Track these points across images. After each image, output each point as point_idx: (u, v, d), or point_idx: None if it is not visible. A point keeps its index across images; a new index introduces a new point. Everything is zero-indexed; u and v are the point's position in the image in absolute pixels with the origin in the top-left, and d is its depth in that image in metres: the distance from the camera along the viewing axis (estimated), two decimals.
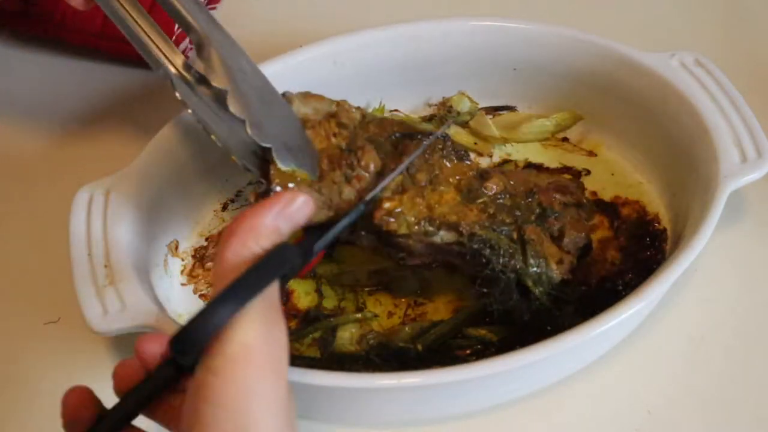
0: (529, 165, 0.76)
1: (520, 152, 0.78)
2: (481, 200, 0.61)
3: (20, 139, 0.83)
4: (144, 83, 0.88)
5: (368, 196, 0.58)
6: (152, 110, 0.85)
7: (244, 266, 0.46)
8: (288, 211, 0.49)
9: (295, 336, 0.65)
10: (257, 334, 0.44)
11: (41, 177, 0.79)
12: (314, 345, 0.64)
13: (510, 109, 0.80)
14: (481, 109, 0.79)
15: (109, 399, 0.61)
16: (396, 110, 0.80)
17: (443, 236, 0.59)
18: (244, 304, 0.44)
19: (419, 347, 0.62)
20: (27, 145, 0.82)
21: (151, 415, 0.47)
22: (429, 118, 0.78)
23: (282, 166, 0.58)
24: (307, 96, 0.63)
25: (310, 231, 0.57)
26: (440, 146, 0.62)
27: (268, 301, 0.45)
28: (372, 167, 0.60)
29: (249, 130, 0.57)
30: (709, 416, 0.60)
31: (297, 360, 0.63)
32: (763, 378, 0.62)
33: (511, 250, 0.59)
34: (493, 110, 0.80)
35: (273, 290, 0.46)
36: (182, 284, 0.68)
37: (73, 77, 0.89)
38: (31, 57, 0.93)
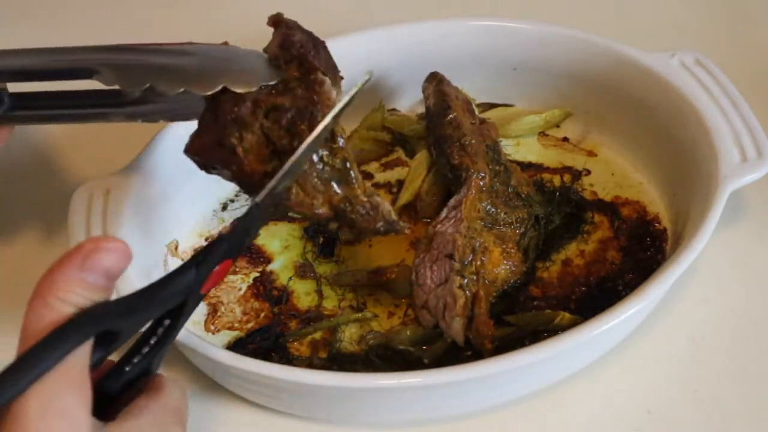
0: (529, 165, 0.76)
1: (520, 152, 0.78)
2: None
3: (20, 138, 0.83)
4: None
5: (259, 197, 0.52)
6: None
7: (49, 329, 0.41)
8: (92, 262, 0.43)
9: (295, 336, 0.65)
10: (47, 413, 0.39)
11: (41, 177, 0.79)
12: (314, 345, 0.64)
13: (508, 107, 0.80)
14: (478, 105, 0.79)
15: None
16: (394, 109, 0.80)
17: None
18: (35, 377, 0.39)
19: (426, 360, 0.62)
20: (27, 145, 0.82)
21: None
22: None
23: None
24: None
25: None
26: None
27: (69, 372, 0.40)
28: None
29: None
30: (709, 416, 0.60)
31: (297, 360, 0.63)
32: (763, 378, 0.61)
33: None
34: (490, 106, 0.80)
35: (77, 357, 0.41)
36: None
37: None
38: None
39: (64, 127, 0.83)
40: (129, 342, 0.48)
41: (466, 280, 0.61)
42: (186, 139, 0.69)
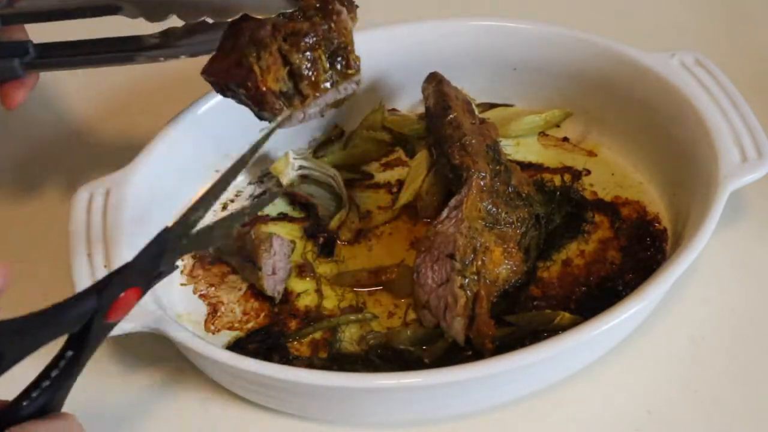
0: (529, 165, 0.76)
1: (520, 152, 0.78)
2: None
3: (20, 138, 0.83)
4: (144, 83, 0.88)
5: (170, 223, 0.50)
6: (152, 110, 0.85)
7: None
8: None
9: (295, 336, 0.65)
10: None
11: (41, 177, 0.79)
12: (314, 345, 0.64)
13: (508, 107, 0.80)
14: (478, 105, 0.79)
15: (109, 398, 0.62)
16: (394, 109, 0.80)
17: None
18: None
19: (426, 360, 0.62)
20: (27, 145, 0.82)
21: None
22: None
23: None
24: None
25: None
26: None
27: None
28: None
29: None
30: (709, 416, 0.60)
31: (297, 360, 0.63)
32: (763, 378, 0.61)
33: None
34: (490, 106, 0.80)
35: None
36: (182, 284, 0.68)
37: (73, 77, 0.89)
38: None
39: (64, 127, 0.84)
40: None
41: (467, 280, 0.61)
42: (185, 138, 0.69)
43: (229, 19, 0.56)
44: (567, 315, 0.62)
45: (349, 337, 0.64)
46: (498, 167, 0.67)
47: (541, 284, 0.67)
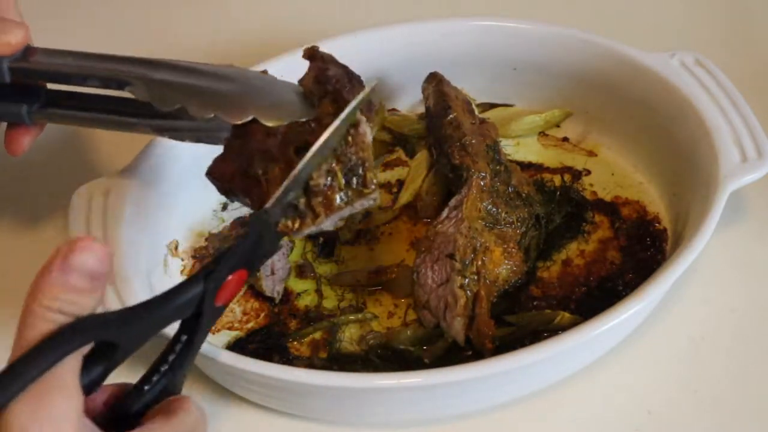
0: (529, 165, 0.76)
1: (520, 152, 0.78)
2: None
3: None
4: None
5: (269, 203, 0.51)
6: None
7: (38, 339, 0.40)
8: (70, 263, 0.41)
9: (295, 336, 0.65)
10: (37, 418, 0.39)
11: (41, 177, 0.79)
12: (314, 345, 0.64)
13: (508, 107, 0.80)
14: (478, 105, 0.79)
15: None
16: (394, 109, 0.80)
17: None
18: (24, 385, 0.39)
19: (426, 360, 0.62)
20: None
21: None
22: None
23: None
24: None
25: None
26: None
27: (58, 379, 0.40)
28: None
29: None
30: (709, 416, 0.60)
31: (297, 360, 0.63)
32: (763, 378, 0.61)
33: None
34: (490, 106, 0.80)
35: (66, 365, 0.40)
36: None
37: None
38: None
39: (64, 127, 0.83)
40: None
41: (467, 280, 0.61)
42: (185, 146, 0.69)
43: (239, 122, 0.54)
44: (567, 315, 0.62)
45: (349, 337, 0.64)
46: (498, 167, 0.67)
47: (541, 284, 0.67)
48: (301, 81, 0.58)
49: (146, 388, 0.46)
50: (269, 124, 0.54)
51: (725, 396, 0.60)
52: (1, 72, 0.58)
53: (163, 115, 0.57)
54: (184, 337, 0.47)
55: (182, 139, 0.61)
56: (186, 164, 0.69)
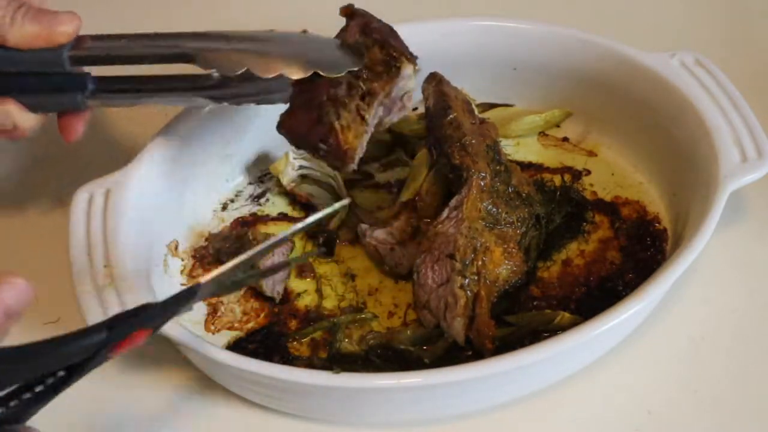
0: (529, 165, 0.76)
1: (520, 152, 0.78)
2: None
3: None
4: None
5: (204, 279, 0.52)
6: (152, 110, 0.85)
7: None
8: None
9: (295, 336, 0.65)
10: None
11: (41, 177, 0.79)
12: (314, 345, 0.64)
13: (508, 107, 0.80)
14: (478, 105, 0.79)
15: (109, 398, 0.61)
16: None
17: None
18: None
19: (426, 360, 0.62)
20: (27, 145, 0.82)
21: None
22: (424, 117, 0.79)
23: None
24: None
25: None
26: None
27: None
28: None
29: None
30: (709, 416, 0.60)
31: (297, 360, 0.63)
32: (763, 378, 0.61)
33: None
34: (490, 106, 0.80)
35: None
36: (182, 284, 0.68)
37: None
38: None
39: None
40: None
41: (467, 280, 0.61)
42: (186, 139, 0.69)
43: (302, 77, 0.58)
44: (567, 315, 0.62)
45: (349, 337, 0.64)
46: (498, 167, 0.67)
47: (541, 284, 0.67)
48: (342, 35, 0.63)
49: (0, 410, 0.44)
50: (331, 75, 0.59)
51: (725, 396, 0.60)
52: (62, 61, 0.60)
53: (220, 84, 0.61)
54: (61, 373, 0.45)
55: (240, 104, 0.64)
56: (186, 164, 0.69)
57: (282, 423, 0.60)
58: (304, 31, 0.64)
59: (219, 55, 0.59)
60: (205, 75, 0.61)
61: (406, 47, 0.64)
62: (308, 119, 0.60)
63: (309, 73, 0.58)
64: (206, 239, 0.71)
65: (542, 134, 0.79)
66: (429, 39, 0.76)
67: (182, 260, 0.70)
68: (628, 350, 0.63)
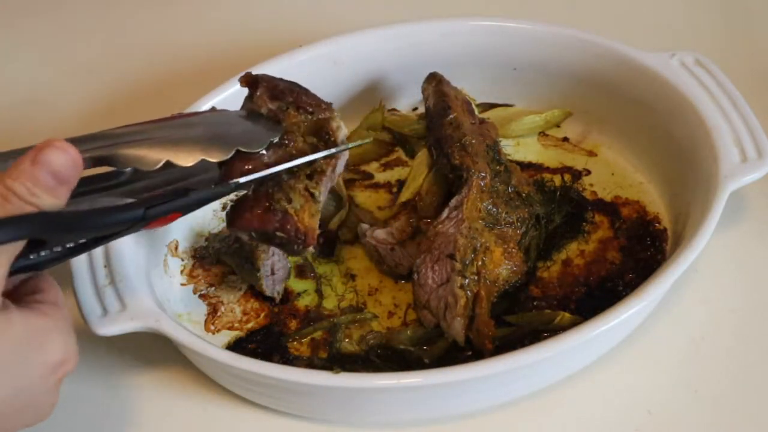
0: (529, 165, 0.76)
1: (520, 152, 0.78)
2: None
3: (21, 140, 0.83)
4: (143, 84, 0.88)
5: (243, 179, 0.54)
6: (152, 110, 0.85)
7: None
8: (41, 157, 0.45)
9: (295, 336, 0.65)
10: None
11: None
12: (314, 345, 0.64)
13: (508, 107, 0.80)
14: (478, 105, 0.79)
15: (109, 398, 0.61)
16: (394, 109, 0.80)
17: None
18: None
19: (426, 360, 0.62)
20: (26, 145, 0.82)
21: None
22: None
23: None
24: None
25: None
26: None
27: None
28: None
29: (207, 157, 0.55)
30: (709, 416, 0.60)
31: (297, 360, 0.63)
32: (763, 378, 0.61)
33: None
34: (490, 106, 0.80)
35: (4, 251, 0.43)
36: (182, 284, 0.68)
37: (73, 77, 0.89)
38: (31, 56, 0.93)
39: (64, 127, 0.83)
40: None
41: (467, 280, 0.61)
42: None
43: (225, 158, 0.54)
44: (567, 315, 0.62)
45: (349, 337, 0.64)
46: (498, 167, 0.67)
47: (541, 284, 0.67)
48: (249, 105, 0.60)
49: (32, 257, 0.47)
50: (253, 150, 0.56)
51: (725, 396, 0.60)
52: None
53: (124, 182, 0.57)
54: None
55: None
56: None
57: (282, 423, 0.60)
58: (213, 109, 0.63)
59: (139, 152, 0.54)
60: (106, 174, 0.56)
61: (317, 97, 0.61)
62: (259, 211, 0.56)
63: (231, 153, 0.55)
64: (206, 239, 0.71)
65: (542, 134, 0.79)
66: (429, 39, 0.76)
67: (182, 260, 0.70)
68: (628, 350, 0.63)
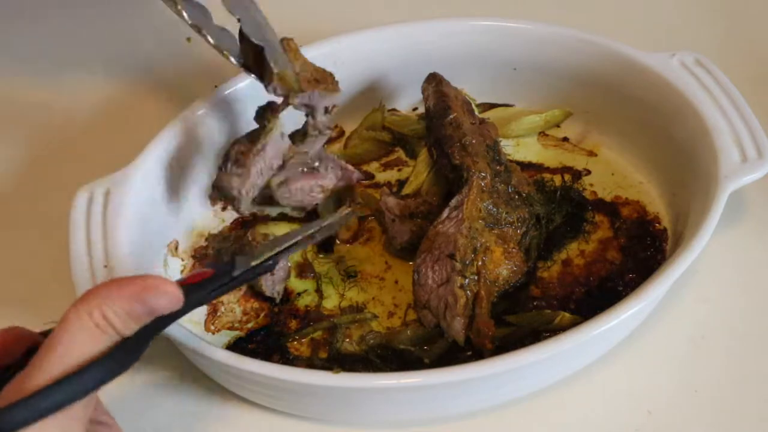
0: (529, 165, 0.76)
1: (520, 152, 0.78)
2: None
3: (21, 138, 0.83)
4: (144, 84, 0.88)
5: (255, 260, 0.55)
6: (152, 110, 0.85)
7: (78, 339, 0.41)
8: (147, 297, 0.43)
9: (295, 336, 0.65)
10: None
11: (42, 177, 0.79)
12: (314, 345, 0.64)
13: (508, 107, 0.80)
14: (478, 105, 0.79)
15: (109, 400, 0.61)
16: (394, 109, 0.80)
17: None
18: (40, 417, 0.39)
19: (426, 360, 0.62)
20: (27, 145, 0.82)
21: None
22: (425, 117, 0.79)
23: (274, 68, 0.59)
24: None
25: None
26: None
27: (73, 416, 0.41)
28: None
29: (244, 28, 0.59)
30: (709, 416, 0.60)
31: (297, 360, 0.63)
32: (763, 378, 0.61)
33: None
34: (490, 106, 0.80)
35: (86, 402, 0.42)
36: None
37: (73, 77, 0.89)
38: (30, 56, 0.93)
39: (64, 127, 0.84)
40: None
41: (467, 280, 0.61)
42: (186, 139, 0.69)
43: None
44: (567, 315, 0.62)
45: (349, 337, 0.64)
46: (498, 167, 0.67)
47: (541, 284, 0.67)
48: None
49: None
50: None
51: (725, 396, 0.61)
52: None
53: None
54: None
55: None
56: (186, 164, 0.69)
57: (282, 423, 0.60)
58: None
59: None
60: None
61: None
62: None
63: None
64: (206, 239, 0.71)
65: (542, 134, 0.79)
66: (429, 39, 0.76)
67: (182, 260, 0.70)
68: (628, 350, 0.63)
